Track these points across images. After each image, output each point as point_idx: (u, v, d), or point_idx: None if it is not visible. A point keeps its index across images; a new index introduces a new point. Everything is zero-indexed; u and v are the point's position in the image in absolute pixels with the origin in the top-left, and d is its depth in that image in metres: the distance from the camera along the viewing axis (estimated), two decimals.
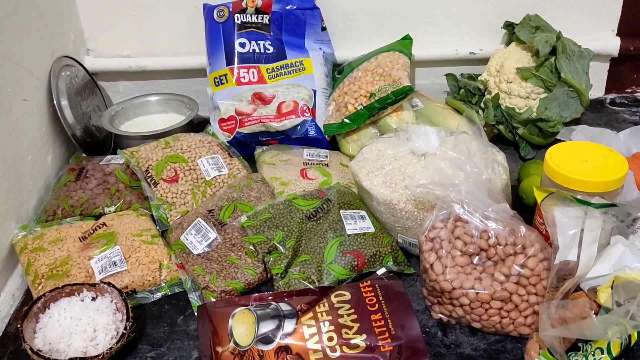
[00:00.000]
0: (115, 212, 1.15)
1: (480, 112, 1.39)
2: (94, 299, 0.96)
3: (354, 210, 1.08)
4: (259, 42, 1.40)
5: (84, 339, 0.89)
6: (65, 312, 0.93)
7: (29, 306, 0.93)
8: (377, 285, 0.95)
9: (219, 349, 0.87)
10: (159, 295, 1.04)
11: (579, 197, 0.89)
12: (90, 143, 1.36)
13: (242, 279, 1.02)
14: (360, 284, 0.95)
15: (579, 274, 0.85)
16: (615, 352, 0.79)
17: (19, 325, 0.90)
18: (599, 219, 0.87)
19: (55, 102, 1.28)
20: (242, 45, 1.39)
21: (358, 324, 0.88)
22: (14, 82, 1.14)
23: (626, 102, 1.60)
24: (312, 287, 0.98)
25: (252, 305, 0.92)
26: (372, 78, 1.32)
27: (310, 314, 0.89)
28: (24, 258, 1.05)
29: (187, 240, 1.07)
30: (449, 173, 0.98)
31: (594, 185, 0.91)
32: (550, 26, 1.41)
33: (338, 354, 0.85)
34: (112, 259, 1.03)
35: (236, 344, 0.87)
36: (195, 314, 0.98)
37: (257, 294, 0.97)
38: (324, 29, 1.45)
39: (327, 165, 1.26)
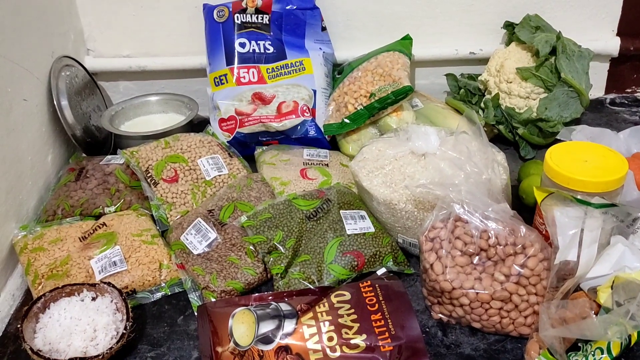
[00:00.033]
0: (115, 212, 1.15)
1: (480, 112, 1.39)
2: (94, 299, 0.96)
3: (354, 210, 1.08)
4: (259, 42, 1.40)
5: (84, 339, 0.89)
6: (65, 312, 0.93)
7: (29, 306, 0.93)
8: (377, 285, 0.95)
9: (219, 349, 0.87)
10: (159, 295, 1.04)
11: (579, 197, 0.89)
12: (90, 143, 1.36)
13: (242, 279, 1.02)
14: (360, 284, 0.95)
15: (579, 274, 0.85)
16: (615, 352, 0.79)
17: (19, 325, 0.90)
18: (599, 219, 0.87)
19: (55, 102, 1.28)
20: (242, 45, 1.39)
21: (358, 324, 0.88)
22: (14, 82, 1.14)
23: (626, 102, 1.60)
24: (312, 287, 0.98)
25: (252, 305, 0.92)
26: (372, 78, 1.32)
27: (310, 314, 0.89)
28: (24, 258, 1.05)
29: (187, 240, 1.07)
30: (449, 173, 0.98)
31: (594, 185, 0.91)
32: (550, 26, 1.41)
33: (338, 354, 0.85)
34: (112, 259, 1.03)
35: (236, 344, 0.87)
36: (195, 314, 0.98)
37: (257, 294, 0.97)
38: (324, 29, 1.45)
39: (327, 165, 1.26)
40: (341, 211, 1.07)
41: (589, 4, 1.49)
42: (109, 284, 0.97)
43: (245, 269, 1.02)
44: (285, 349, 0.86)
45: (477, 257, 0.91)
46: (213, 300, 0.99)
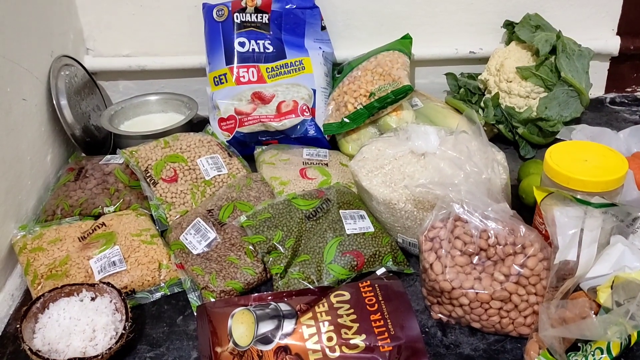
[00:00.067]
0: (114, 212, 1.15)
1: (480, 111, 1.39)
2: (93, 299, 0.96)
3: (354, 210, 1.08)
4: (258, 41, 1.39)
5: (83, 339, 0.89)
6: (64, 312, 0.93)
7: (28, 306, 0.93)
8: (376, 285, 0.95)
9: (218, 349, 0.87)
10: (158, 295, 1.03)
11: (578, 196, 0.89)
12: (89, 143, 1.36)
13: (242, 279, 1.01)
14: (359, 284, 0.95)
15: (579, 273, 0.85)
16: (615, 352, 0.79)
17: (18, 326, 0.90)
18: (599, 218, 0.87)
19: (54, 102, 1.28)
20: (242, 44, 1.39)
21: (357, 324, 0.88)
22: (14, 82, 1.14)
23: (626, 101, 1.59)
24: (311, 287, 0.98)
25: (251, 305, 0.92)
26: (372, 77, 1.32)
27: (310, 314, 0.89)
28: (23, 258, 1.05)
29: (187, 240, 1.07)
30: (448, 173, 0.98)
31: (594, 185, 0.91)
32: (550, 25, 1.41)
33: (337, 354, 0.85)
34: (112, 259, 1.03)
35: (235, 344, 0.87)
36: (195, 314, 0.98)
37: (256, 294, 0.97)
38: (323, 28, 1.45)
39: (326, 164, 1.26)
40: (341, 211, 1.07)
41: (589, 3, 1.49)
42: (108, 284, 0.96)
43: (245, 269, 1.02)
44: (285, 349, 0.86)
45: (476, 257, 0.91)
46: (212, 300, 0.99)
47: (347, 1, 1.47)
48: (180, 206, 1.17)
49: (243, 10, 1.39)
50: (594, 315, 0.81)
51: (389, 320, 0.89)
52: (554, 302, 0.83)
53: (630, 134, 1.18)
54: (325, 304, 0.91)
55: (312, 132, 1.34)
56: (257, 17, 1.40)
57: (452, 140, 1.03)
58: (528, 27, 1.38)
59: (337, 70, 1.49)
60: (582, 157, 0.96)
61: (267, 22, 1.40)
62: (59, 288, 0.96)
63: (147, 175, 1.19)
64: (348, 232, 1.04)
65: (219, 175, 1.22)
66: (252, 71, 1.38)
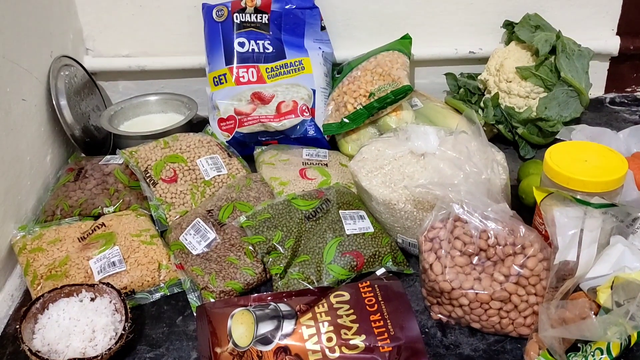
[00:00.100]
0: (114, 212, 1.15)
1: (480, 111, 1.39)
2: (92, 299, 0.96)
3: (353, 210, 1.08)
4: (258, 41, 1.39)
5: (83, 339, 0.89)
6: (64, 313, 0.93)
7: (28, 307, 0.93)
8: (376, 286, 0.94)
9: (218, 350, 0.87)
10: (158, 295, 1.03)
11: (578, 197, 0.89)
12: (89, 143, 1.36)
13: (241, 280, 1.01)
14: (359, 285, 0.95)
15: (579, 274, 0.85)
16: (615, 352, 0.79)
17: (17, 326, 0.90)
18: (599, 219, 0.87)
19: (54, 102, 1.28)
20: (241, 44, 1.39)
21: (357, 325, 0.88)
22: (13, 82, 1.14)
23: (626, 101, 1.59)
24: (311, 288, 0.98)
25: (251, 305, 0.92)
26: (372, 77, 1.32)
27: (310, 315, 0.89)
28: (22, 258, 1.05)
29: (186, 240, 1.07)
30: (448, 173, 0.98)
31: (594, 185, 0.91)
32: (550, 25, 1.41)
33: (337, 354, 0.85)
34: (111, 260, 1.03)
35: (235, 344, 0.87)
36: (194, 314, 0.98)
37: (256, 295, 0.97)
38: (323, 28, 1.45)
39: (326, 165, 1.26)
40: (340, 211, 1.07)
41: (589, 3, 1.49)
42: (107, 284, 0.96)
43: (245, 269, 1.02)
44: (284, 349, 0.86)
45: (476, 257, 0.91)
46: (212, 300, 0.99)
47: (347, 1, 1.47)
48: (180, 206, 1.17)
49: (243, 10, 1.39)
50: (593, 316, 0.81)
51: (388, 321, 0.89)
52: (554, 303, 0.83)
53: (630, 134, 1.18)
54: (325, 305, 0.91)
55: (311, 132, 1.34)
56: (256, 17, 1.40)
57: (452, 141, 1.03)
58: (528, 27, 1.38)
59: (337, 71, 1.49)
60: (582, 157, 0.96)
61: (266, 22, 1.40)
62: (58, 288, 0.96)
63: (147, 175, 1.19)
64: (348, 232, 1.04)
65: (219, 175, 1.22)
66: (252, 71, 1.38)
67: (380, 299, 0.92)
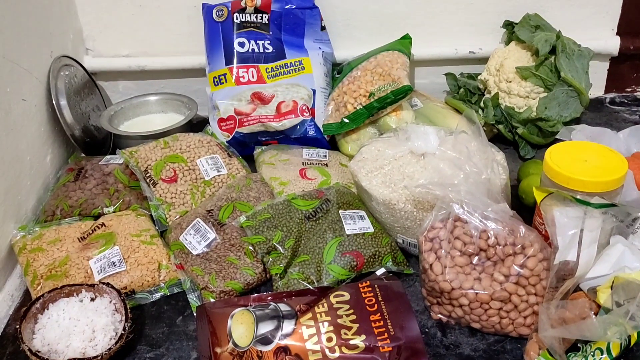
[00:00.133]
0: (114, 212, 1.15)
1: (480, 111, 1.39)
2: (92, 299, 0.96)
3: (353, 210, 1.08)
4: (258, 41, 1.39)
5: (83, 339, 0.89)
6: (64, 313, 0.93)
7: (28, 307, 0.93)
8: (376, 286, 0.94)
9: (218, 350, 0.87)
10: (158, 295, 1.03)
11: (578, 197, 0.89)
12: (89, 143, 1.36)
13: (241, 280, 1.01)
14: (359, 285, 0.95)
15: (579, 274, 0.85)
16: (615, 352, 0.79)
17: (17, 326, 0.90)
18: (599, 219, 0.87)
19: (54, 102, 1.28)
20: (241, 44, 1.39)
21: (357, 325, 0.88)
22: (13, 82, 1.14)
23: (626, 101, 1.59)
24: (311, 288, 0.98)
25: (251, 305, 0.92)
26: (372, 77, 1.32)
27: (310, 315, 0.89)
28: (22, 258, 1.05)
29: (186, 240, 1.07)
30: (448, 173, 0.98)
31: (594, 185, 0.91)
32: (550, 25, 1.41)
33: (337, 354, 0.85)
34: (111, 260, 1.03)
35: (235, 344, 0.87)
36: (194, 314, 0.98)
37: (256, 295, 0.97)
38: (323, 28, 1.45)
39: (326, 165, 1.26)
40: (340, 211, 1.07)
41: (589, 3, 1.49)
42: (107, 284, 0.96)
43: (245, 269, 1.02)
44: (284, 349, 0.86)
45: (476, 257, 0.91)
46: (212, 300, 0.99)
47: (347, 1, 1.47)
48: (180, 206, 1.17)
49: (243, 10, 1.39)
50: (593, 316, 0.81)
51: (388, 321, 0.89)
52: (554, 303, 0.83)
53: (630, 134, 1.18)
54: (325, 305, 0.91)
55: (311, 132, 1.34)
56: (256, 17, 1.40)
57: (452, 141, 1.03)
58: (528, 27, 1.38)
59: (337, 71, 1.49)
60: (582, 157, 0.96)
61: (266, 22, 1.40)
62: (58, 288, 0.96)
63: (147, 175, 1.19)
64: (348, 232, 1.04)
65: (219, 175, 1.22)
66: (252, 71, 1.38)
67: (380, 299, 0.92)
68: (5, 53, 1.11)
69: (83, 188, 1.18)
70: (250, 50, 1.39)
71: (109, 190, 1.18)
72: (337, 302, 0.91)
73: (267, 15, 1.40)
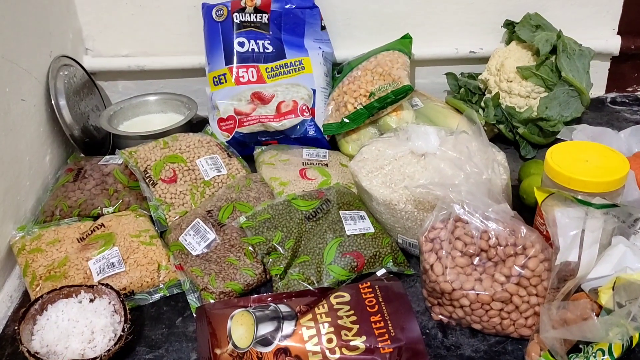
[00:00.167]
0: (113, 212, 1.15)
1: (481, 111, 1.39)
2: (91, 300, 0.95)
3: (354, 211, 1.08)
4: (258, 41, 1.39)
5: (82, 341, 0.89)
6: (63, 314, 0.92)
7: (27, 308, 0.92)
8: (376, 287, 0.94)
9: (218, 351, 0.87)
10: (157, 296, 1.03)
11: (579, 197, 0.89)
12: (88, 143, 1.36)
13: (241, 280, 1.01)
14: (359, 285, 0.95)
15: (580, 274, 0.85)
16: (616, 353, 0.79)
17: (16, 327, 0.89)
18: (600, 219, 0.87)
19: (53, 102, 1.27)
20: (241, 44, 1.39)
21: (357, 326, 0.88)
22: (12, 82, 1.14)
23: (627, 101, 1.59)
24: (311, 288, 0.98)
25: (251, 306, 0.92)
26: (372, 77, 1.32)
27: (310, 316, 0.89)
28: (21, 259, 1.04)
29: (186, 241, 1.06)
30: (449, 173, 0.97)
31: (595, 186, 0.90)
32: (551, 25, 1.40)
33: (337, 355, 0.85)
34: (111, 260, 1.02)
35: (235, 345, 0.87)
36: (194, 315, 0.98)
37: (256, 295, 0.97)
38: (323, 28, 1.45)
39: (326, 165, 1.26)
40: (341, 211, 1.06)
41: (590, 2, 1.49)
42: (107, 285, 0.96)
43: (244, 270, 1.02)
44: (285, 351, 0.85)
45: (477, 258, 0.91)
46: (212, 301, 0.98)
47: (347, 1, 1.47)
48: (180, 207, 1.16)
49: (242, 10, 1.39)
50: (595, 317, 0.81)
51: (389, 322, 0.89)
52: (555, 304, 0.83)
53: (631, 133, 1.18)
54: (325, 306, 0.91)
55: (311, 132, 1.33)
56: (256, 17, 1.39)
57: (453, 141, 1.03)
58: (528, 26, 1.37)
59: (337, 70, 1.49)
60: (583, 157, 0.96)
61: (266, 22, 1.40)
62: (57, 289, 0.95)
63: (146, 175, 1.18)
64: (348, 232, 1.03)
65: (219, 175, 1.21)
66: (252, 71, 1.38)
67: (380, 299, 0.92)
68: (5, 53, 1.11)
69: (82, 188, 1.18)
70: (250, 50, 1.38)
71: (108, 190, 1.18)
72: (338, 303, 0.91)
73: (267, 15, 1.40)
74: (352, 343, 0.86)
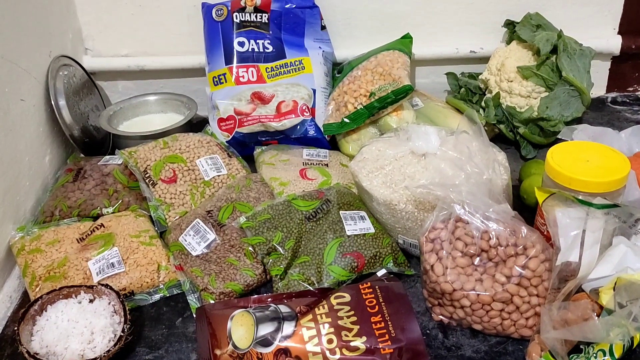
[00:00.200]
0: (113, 213, 1.15)
1: (481, 111, 1.38)
2: (91, 301, 0.95)
3: (354, 211, 1.07)
4: (258, 41, 1.39)
5: (82, 341, 0.89)
6: (62, 315, 0.92)
7: (26, 308, 0.92)
8: (377, 287, 0.94)
9: (218, 352, 0.87)
10: (157, 297, 1.03)
11: (580, 197, 0.89)
12: (88, 143, 1.36)
13: (241, 281, 1.01)
14: (360, 286, 0.94)
15: (581, 275, 0.84)
16: (617, 354, 0.78)
17: (15, 328, 0.89)
18: (601, 219, 0.87)
19: (52, 102, 1.27)
20: (241, 44, 1.38)
21: (358, 326, 0.88)
22: (12, 82, 1.13)
23: (628, 100, 1.59)
24: (311, 289, 0.98)
25: (251, 307, 0.92)
26: (372, 77, 1.32)
27: (310, 316, 0.89)
28: (21, 260, 1.04)
29: (186, 241, 1.06)
30: (449, 173, 0.97)
31: (596, 186, 0.90)
32: (551, 24, 1.40)
33: (338, 356, 0.85)
34: (110, 261, 1.02)
35: (235, 346, 0.87)
36: (194, 316, 0.98)
37: (256, 296, 0.97)
38: (323, 27, 1.44)
39: (326, 165, 1.26)
40: (341, 212, 1.06)
41: (591, 2, 1.48)
42: (106, 285, 0.96)
43: (244, 270, 1.02)
44: (285, 351, 0.85)
45: (478, 258, 0.91)
46: (212, 302, 0.98)
47: (347, 1, 1.47)
48: (180, 207, 1.16)
49: (242, 9, 1.39)
50: (596, 317, 0.81)
51: (389, 322, 0.89)
52: (556, 304, 0.83)
53: (632, 133, 1.17)
54: (326, 306, 0.90)
55: (312, 132, 1.33)
56: (256, 16, 1.39)
57: (453, 141, 1.03)
58: (529, 26, 1.37)
59: (337, 70, 1.48)
60: (584, 157, 0.95)
61: (266, 21, 1.39)
62: (57, 290, 0.95)
63: (146, 175, 1.18)
64: (348, 233, 1.03)
65: (219, 175, 1.21)
66: (252, 71, 1.37)
67: (381, 300, 0.92)
68: (4, 53, 1.11)
69: (82, 189, 1.18)
70: (250, 49, 1.38)
71: (108, 190, 1.18)
72: (338, 304, 0.91)
73: (267, 15, 1.39)
74: (352, 344, 0.86)
